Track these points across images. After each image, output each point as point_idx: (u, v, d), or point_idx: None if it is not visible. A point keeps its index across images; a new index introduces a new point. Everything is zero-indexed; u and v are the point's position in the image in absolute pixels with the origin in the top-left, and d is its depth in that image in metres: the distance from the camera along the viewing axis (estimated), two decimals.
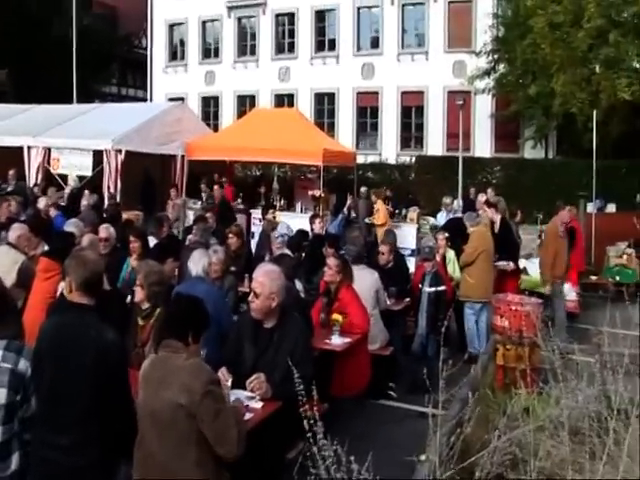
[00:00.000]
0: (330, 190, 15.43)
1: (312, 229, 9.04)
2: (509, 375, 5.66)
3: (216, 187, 13.63)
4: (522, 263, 10.10)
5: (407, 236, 13.22)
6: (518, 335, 5.93)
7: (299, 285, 6.38)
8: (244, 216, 13.69)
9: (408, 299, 7.39)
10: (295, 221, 10.44)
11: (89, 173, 13.46)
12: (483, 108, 21.81)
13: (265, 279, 3.73)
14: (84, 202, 10.63)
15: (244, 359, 3.94)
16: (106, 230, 6.70)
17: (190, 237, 7.71)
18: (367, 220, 13.88)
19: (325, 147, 13.89)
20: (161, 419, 3.14)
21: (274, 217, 10.63)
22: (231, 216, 11.55)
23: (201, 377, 3.18)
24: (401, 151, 23.30)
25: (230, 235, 7.70)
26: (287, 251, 7.14)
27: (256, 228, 12.29)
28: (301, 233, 8.34)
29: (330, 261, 5.98)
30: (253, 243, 9.95)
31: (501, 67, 19.52)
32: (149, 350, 3.87)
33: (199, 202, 14.19)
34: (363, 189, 15.31)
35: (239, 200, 15.09)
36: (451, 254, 8.44)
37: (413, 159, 21.26)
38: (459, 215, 11.02)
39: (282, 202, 15.06)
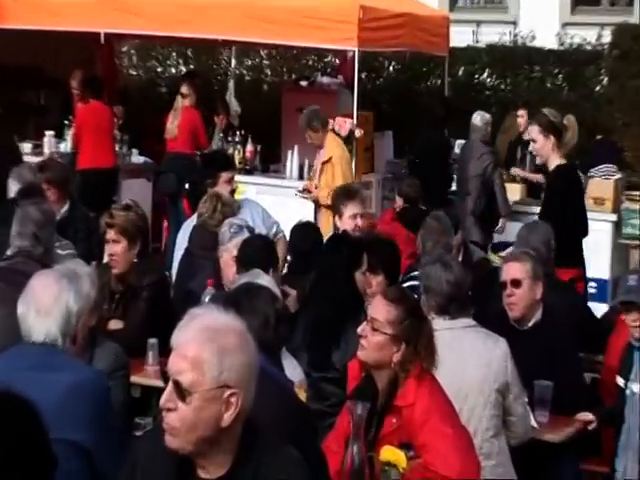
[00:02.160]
0: (379, 123, 9.93)
1: (336, 226, 6.01)
2: None
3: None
4: None
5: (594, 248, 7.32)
6: None
7: (294, 368, 4.11)
8: (145, 184, 9.64)
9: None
10: (284, 202, 7.44)
11: None
12: None
13: (204, 350, 2.34)
14: None
15: None
16: None
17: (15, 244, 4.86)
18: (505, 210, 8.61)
19: (363, 3, 8.36)
20: None
21: (233, 190, 6.66)
22: (104, 188, 8.58)
23: None
24: (573, 16, 12.89)
25: (109, 235, 5.03)
26: (263, 279, 4.19)
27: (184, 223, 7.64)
28: (304, 235, 5.43)
29: (375, 309, 3.70)
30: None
31: None
32: None
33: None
34: (478, 119, 8.96)
35: (134, 150, 10.36)
36: None
37: (603, 35, 11.73)
38: None
39: (251, 151, 9.71)
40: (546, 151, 6.42)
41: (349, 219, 6.07)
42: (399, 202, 7.57)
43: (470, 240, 7.44)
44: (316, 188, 8.12)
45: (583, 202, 6.87)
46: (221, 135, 10.14)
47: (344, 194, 6.29)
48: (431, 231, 5.88)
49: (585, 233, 6.52)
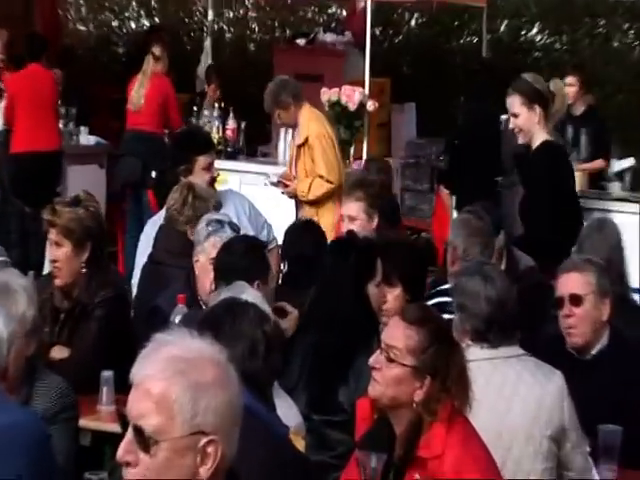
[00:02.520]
0: (399, 93, 10.53)
1: (347, 233, 5.99)
2: None
3: None
4: None
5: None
6: None
7: (289, 408, 4.41)
8: (97, 172, 9.96)
9: None
10: (276, 195, 7.98)
11: None
12: None
13: (173, 386, 2.46)
14: None
15: None
16: None
17: None
18: None
19: None
20: None
21: (213, 178, 6.97)
22: (44, 176, 9.02)
23: None
24: None
25: (51, 237, 5.19)
26: (249, 294, 4.44)
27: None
28: (302, 237, 6.02)
29: (391, 332, 3.91)
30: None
31: None
32: None
33: None
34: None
35: (83, 128, 10.69)
36: None
37: None
38: None
39: (233, 129, 10.17)
40: (530, 125, 6.75)
41: (343, 219, 6.41)
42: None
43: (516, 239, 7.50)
44: (294, 179, 8.28)
45: (574, 189, 7.30)
46: (215, 111, 10.32)
47: (347, 184, 6.56)
48: (467, 231, 6.00)
49: (580, 225, 6.94)
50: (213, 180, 6.83)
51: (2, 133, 9.70)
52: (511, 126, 7.33)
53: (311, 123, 8.23)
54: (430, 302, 5.38)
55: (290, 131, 9.41)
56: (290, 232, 6.38)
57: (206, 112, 10.21)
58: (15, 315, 3.43)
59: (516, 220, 7.97)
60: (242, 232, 5.95)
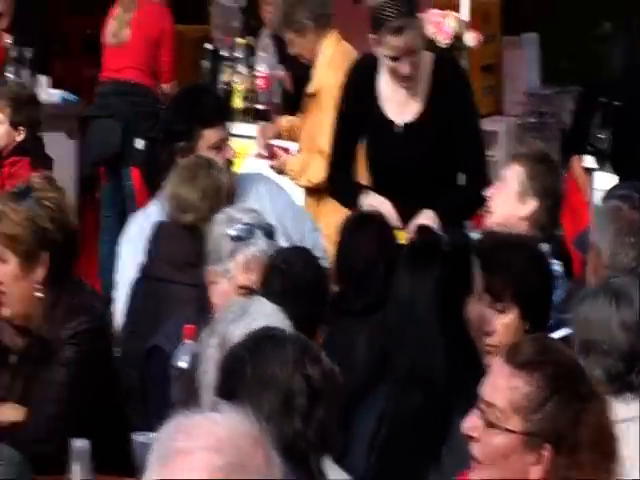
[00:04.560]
0: (512, 20, 10.94)
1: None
2: None
3: None
4: None
5: None
6: None
7: None
8: (64, 142, 10.28)
9: None
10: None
11: None
12: None
13: None
14: None
15: None
16: None
17: None
18: None
19: None
20: None
21: (229, 160, 7.21)
22: None
23: None
24: None
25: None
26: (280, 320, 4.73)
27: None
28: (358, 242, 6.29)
29: (491, 383, 4.04)
30: None
31: None
32: None
33: None
34: None
35: (43, 78, 10.93)
36: None
37: None
38: None
39: (266, 76, 10.50)
40: None
41: None
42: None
43: None
44: (286, 151, 8.31)
45: None
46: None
47: None
48: (617, 226, 6.14)
49: None
50: (229, 162, 6.92)
51: None
52: None
53: (331, 68, 8.22)
54: (556, 334, 5.44)
55: None
56: (340, 235, 6.47)
57: (220, 52, 10.35)
58: None
59: None
60: (279, 238, 6.12)
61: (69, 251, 5.37)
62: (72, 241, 5.48)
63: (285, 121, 8.74)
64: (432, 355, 5.09)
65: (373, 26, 6.94)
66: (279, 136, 8.46)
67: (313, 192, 8.10)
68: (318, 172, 8.06)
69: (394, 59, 6.73)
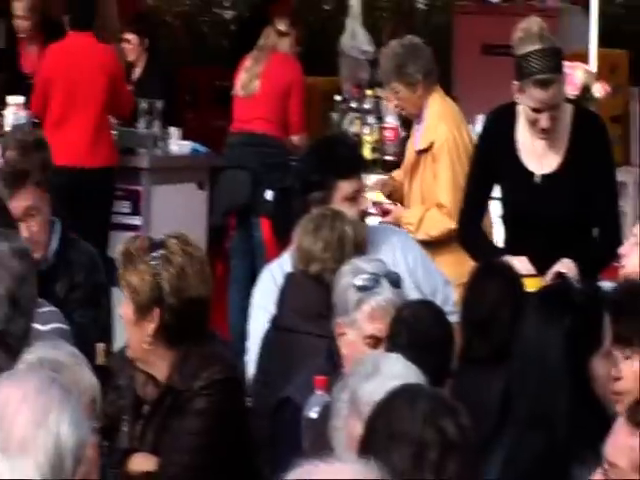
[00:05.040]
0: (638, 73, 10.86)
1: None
2: None
3: None
4: None
5: None
6: None
7: None
8: (194, 195, 10.30)
9: None
10: None
11: None
12: None
13: None
14: None
15: None
16: None
17: None
18: None
19: None
20: None
21: (363, 212, 7.16)
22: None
23: None
24: None
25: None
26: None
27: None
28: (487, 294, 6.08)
29: (615, 442, 3.99)
30: None
31: None
32: None
33: None
34: None
35: (173, 130, 11.08)
36: None
37: None
38: None
39: (394, 128, 10.34)
40: None
41: None
42: None
43: None
44: (394, 202, 8.22)
45: None
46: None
47: None
48: None
49: None
50: (364, 214, 6.86)
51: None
52: None
53: (442, 122, 8.20)
54: None
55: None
56: (468, 283, 6.39)
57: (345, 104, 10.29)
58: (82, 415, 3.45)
59: None
60: (405, 288, 6.01)
61: (185, 315, 5.34)
62: (189, 306, 5.42)
63: (397, 175, 8.65)
64: (555, 400, 5.04)
65: (517, 74, 6.89)
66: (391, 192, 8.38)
67: (428, 245, 7.99)
68: (435, 226, 8.01)
69: (536, 111, 6.71)
